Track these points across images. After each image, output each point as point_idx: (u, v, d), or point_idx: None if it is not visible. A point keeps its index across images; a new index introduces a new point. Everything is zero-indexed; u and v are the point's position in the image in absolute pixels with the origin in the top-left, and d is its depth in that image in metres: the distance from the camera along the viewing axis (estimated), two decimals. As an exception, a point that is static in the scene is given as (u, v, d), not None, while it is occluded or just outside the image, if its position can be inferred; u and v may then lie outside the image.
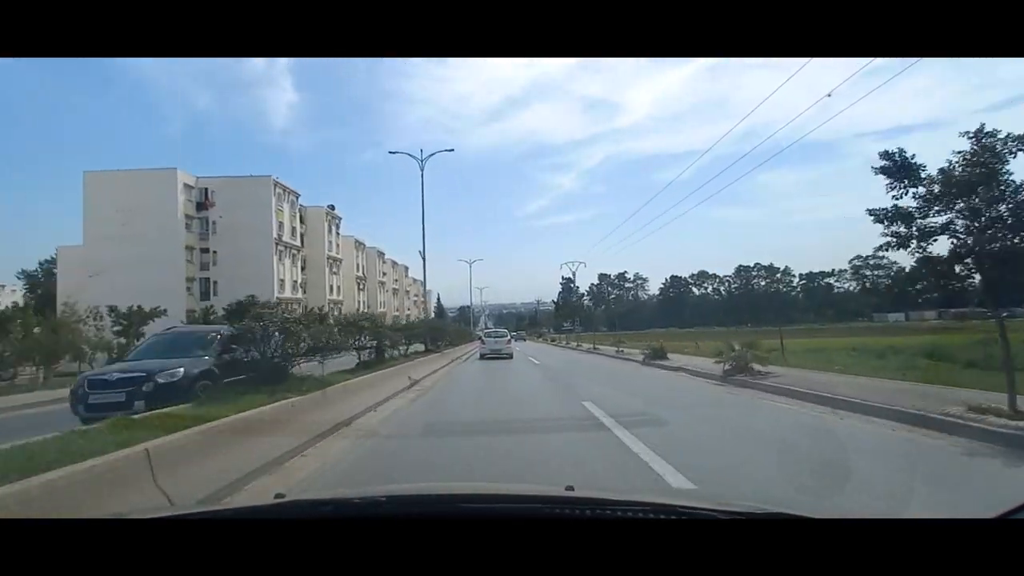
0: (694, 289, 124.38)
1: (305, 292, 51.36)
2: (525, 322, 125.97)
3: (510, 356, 22.66)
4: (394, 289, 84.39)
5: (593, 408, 7.75)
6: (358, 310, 59.02)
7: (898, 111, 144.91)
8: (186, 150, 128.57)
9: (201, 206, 43.74)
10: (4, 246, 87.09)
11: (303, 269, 51.99)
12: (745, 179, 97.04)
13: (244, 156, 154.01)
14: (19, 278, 67.93)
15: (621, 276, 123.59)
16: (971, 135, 5.93)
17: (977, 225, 5.86)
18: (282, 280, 45.90)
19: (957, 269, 6.02)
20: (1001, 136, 5.82)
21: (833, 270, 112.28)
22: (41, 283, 64.27)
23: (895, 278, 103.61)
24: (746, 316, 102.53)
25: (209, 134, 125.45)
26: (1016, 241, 5.71)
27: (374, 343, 11.80)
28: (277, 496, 1.61)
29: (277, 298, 43.23)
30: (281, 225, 46.31)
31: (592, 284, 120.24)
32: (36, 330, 23.16)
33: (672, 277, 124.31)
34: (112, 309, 28.81)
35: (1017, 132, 5.73)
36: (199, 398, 5.68)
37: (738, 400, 8.60)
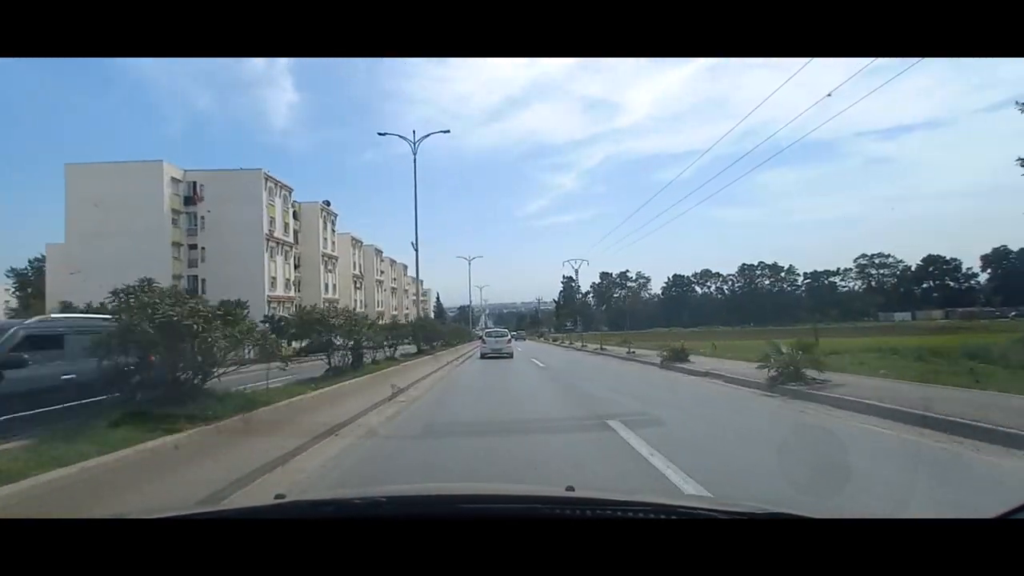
0: (697, 288, 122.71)
1: (299, 291, 49.63)
2: (526, 321, 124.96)
3: (510, 355, 22.82)
4: (392, 288, 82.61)
5: (626, 434, 5.73)
6: (354, 309, 57.38)
7: (898, 111, 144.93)
8: (186, 150, 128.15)
9: (189, 200, 41.92)
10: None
11: (297, 267, 50.23)
12: (745, 179, 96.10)
13: (244, 156, 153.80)
14: (8, 276, 66.70)
15: (623, 275, 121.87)
16: None
17: None
18: (273, 278, 44.09)
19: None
20: None
21: (838, 269, 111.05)
22: (31, 282, 63.03)
23: (901, 276, 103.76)
24: (750, 315, 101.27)
25: (209, 134, 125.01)
26: None
27: (365, 344, 10.09)
28: (277, 496, 1.60)
29: (268, 296, 41.59)
30: (273, 220, 44.48)
31: (594, 283, 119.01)
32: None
33: (675, 276, 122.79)
34: (66, 307, 27.19)
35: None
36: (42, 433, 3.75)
37: (813, 421, 6.50)
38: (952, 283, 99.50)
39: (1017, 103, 14.34)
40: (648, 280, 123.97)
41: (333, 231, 58.10)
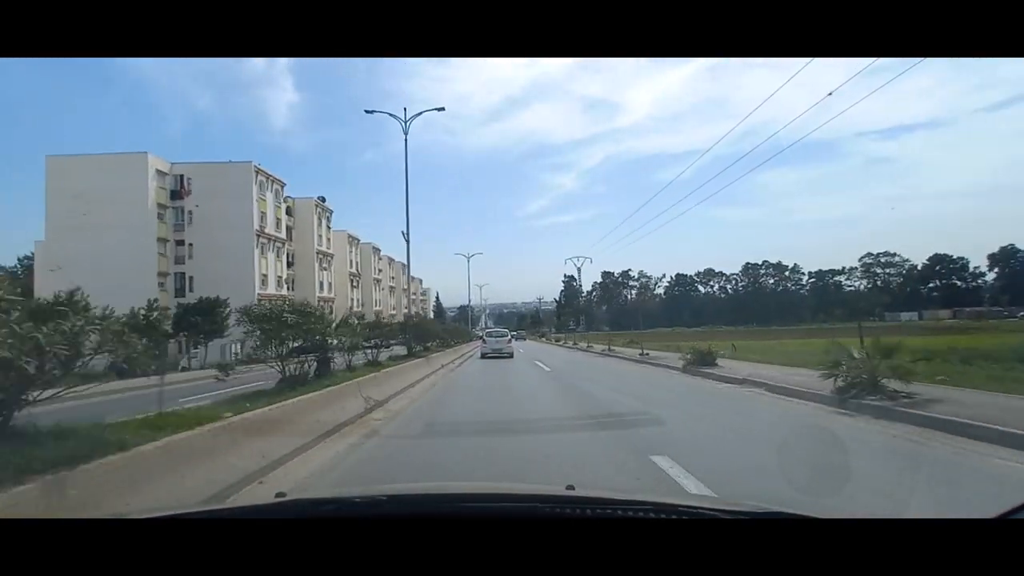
0: (700, 287, 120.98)
1: (292, 289, 47.88)
2: (526, 321, 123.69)
3: (511, 355, 23.06)
4: (391, 287, 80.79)
5: (689, 482, 3.93)
6: (351, 308, 55.69)
7: (899, 110, 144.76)
8: (186, 150, 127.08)
9: (176, 194, 40.12)
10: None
11: (290, 264, 48.49)
12: (745, 179, 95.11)
13: (244, 157, 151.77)
14: (-4, 275, 65.24)
15: (625, 274, 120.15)
16: None
17: None
18: (264, 275, 42.32)
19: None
20: None
21: (843, 268, 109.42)
22: (21, 281, 61.61)
23: (907, 276, 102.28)
24: (753, 315, 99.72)
25: (209, 134, 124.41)
26: None
27: (337, 345, 8.28)
28: (278, 495, 1.57)
29: (259, 295, 39.81)
30: (264, 216, 42.71)
31: (596, 282, 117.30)
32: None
33: (677, 275, 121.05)
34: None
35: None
36: None
37: (959, 460, 4.55)
38: (959, 283, 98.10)
39: None
40: (650, 279, 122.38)
41: (328, 228, 56.36)
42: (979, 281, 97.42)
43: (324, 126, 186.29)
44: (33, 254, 50.19)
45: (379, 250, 73.49)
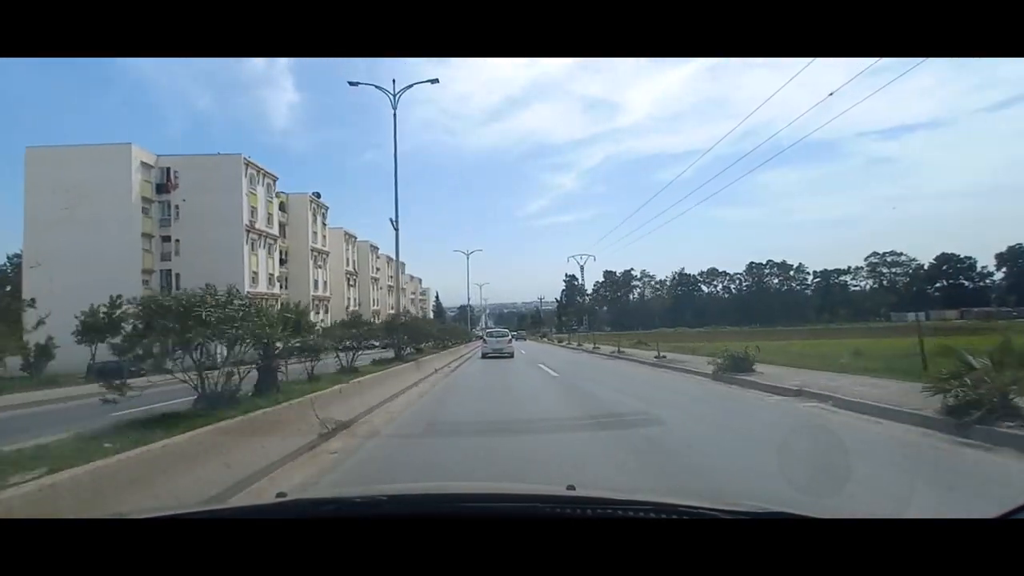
0: (703, 287, 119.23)
1: (285, 287, 46.19)
2: (527, 321, 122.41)
3: (511, 355, 23.49)
4: (389, 286, 79.08)
5: None
6: (347, 308, 53.94)
7: (899, 110, 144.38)
8: (186, 150, 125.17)
9: (162, 188, 38.34)
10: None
11: (283, 262, 46.74)
12: (746, 179, 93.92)
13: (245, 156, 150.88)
14: (-13, 272, 63.73)
15: (627, 273, 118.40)
16: None
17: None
18: (255, 272, 40.55)
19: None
20: None
21: (849, 267, 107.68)
22: (11, 279, 60.02)
23: (913, 275, 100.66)
24: (757, 315, 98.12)
25: (209, 135, 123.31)
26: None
27: (288, 347, 6.49)
28: (279, 495, 1.57)
29: (248, 292, 38.03)
30: (254, 210, 40.94)
31: (597, 281, 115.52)
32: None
33: (680, 274, 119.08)
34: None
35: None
36: None
37: None
38: (967, 282, 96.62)
39: None
40: (653, 278, 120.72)
41: (324, 225, 54.67)
42: (987, 281, 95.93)
43: (324, 126, 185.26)
44: (22, 251, 48.77)
45: (377, 248, 71.82)
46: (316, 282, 51.34)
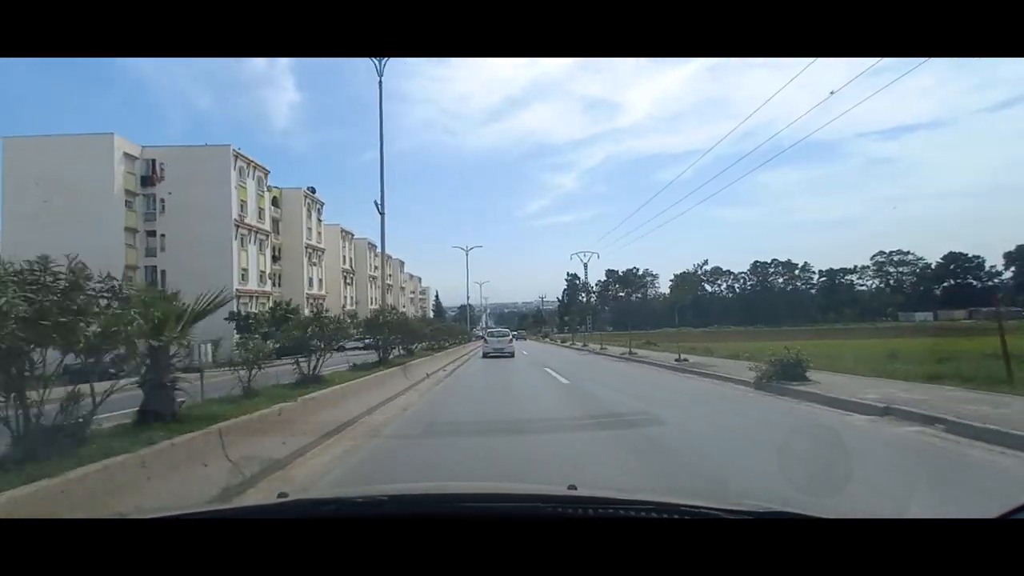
0: (707, 286, 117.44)
1: (278, 285, 44.47)
2: (528, 321, 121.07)
3: (511, 355, 23.94)
4: (388, 285, 77.38)
5: None
6: (344, 307, 52.20)
7: (900, 111, 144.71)
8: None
9: (147, 180, 36.58)
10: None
11: (276, 259, 45.01)
12: (746, 179, 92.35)
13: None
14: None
15: (630, 272, 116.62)
16: None
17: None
18: (245, 269, 38.77)
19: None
20: None
21: (855, 267, 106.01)
22: (0, 276, 58.69)
23: (920, 275, 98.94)
24: (761, 315, 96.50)
25: (209, 135, 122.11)
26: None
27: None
28: (280, 495, 1.55)
29: (237, 290, 36.23)
30: (244, 204, 39.15)
31: (599, 280, 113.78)
32: None
33: (683, 273, 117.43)
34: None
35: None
36: None
37: None
38: (975, 282, 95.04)
39: None
40: (656, 277, 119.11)
41: (319, 221, 52.96)
42: (995, 280, 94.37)
43: (324, 126, 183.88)
44: None
45: (375, 246, 70.11)
46: (311, 280, 49.65)
